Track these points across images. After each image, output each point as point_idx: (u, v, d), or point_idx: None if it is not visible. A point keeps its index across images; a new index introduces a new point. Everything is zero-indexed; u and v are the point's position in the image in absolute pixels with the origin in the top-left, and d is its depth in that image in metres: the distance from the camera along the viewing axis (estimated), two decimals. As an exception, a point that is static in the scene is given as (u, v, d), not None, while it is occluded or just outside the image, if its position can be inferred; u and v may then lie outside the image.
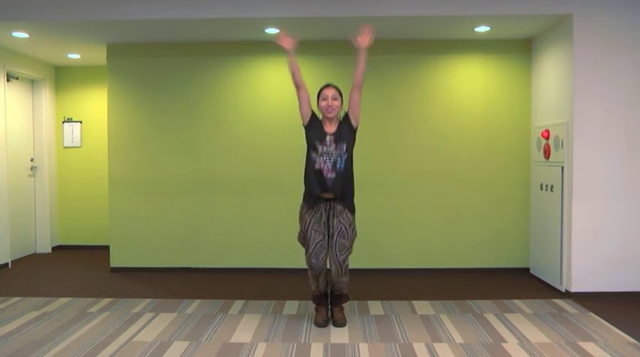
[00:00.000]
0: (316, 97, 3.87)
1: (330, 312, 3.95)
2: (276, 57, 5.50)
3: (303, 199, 3.88)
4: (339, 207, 3.77)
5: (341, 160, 3.75)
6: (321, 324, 3.83)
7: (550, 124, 4.90)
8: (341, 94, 3.86)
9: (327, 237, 3.76)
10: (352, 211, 3.83)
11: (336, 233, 3.73)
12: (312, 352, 3.36)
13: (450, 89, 5.45)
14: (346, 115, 3.87)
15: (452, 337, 3.62)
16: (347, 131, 3.82)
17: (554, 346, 3.43)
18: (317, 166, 3.76)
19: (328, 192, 3.75)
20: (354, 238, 3.84)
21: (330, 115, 3.81)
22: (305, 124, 3.87)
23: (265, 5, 4.56)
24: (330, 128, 3.84)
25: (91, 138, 6.72)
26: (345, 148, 3.77)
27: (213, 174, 5.54)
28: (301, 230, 3.87)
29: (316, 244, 3.75)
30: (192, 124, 5.54)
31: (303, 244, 3.87)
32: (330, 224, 3.76)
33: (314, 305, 3.97)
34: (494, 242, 5.47)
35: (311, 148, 3.82)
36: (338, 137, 3.78)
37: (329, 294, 3.97)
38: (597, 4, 4.49)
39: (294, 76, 3.84)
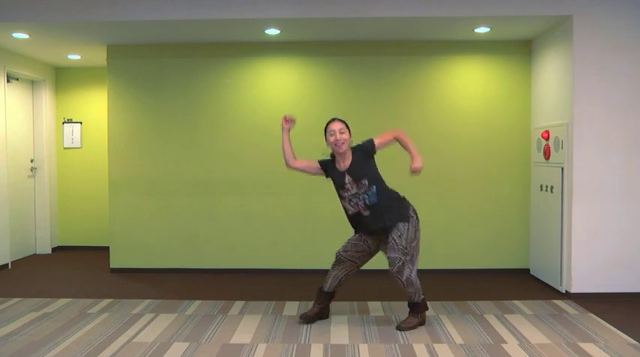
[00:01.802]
0: (324, 133, 3.80)
1: (321, 313, 3.97)
2: (276, 58, 5.52)
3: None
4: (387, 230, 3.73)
5: (368, 197, 3.68)
6: (302, 316, 3.90)
7: (550, 124, 4.90)
8: (348, 127, 3.77)
9: (367, 244, 3.83)
10: (402, 220, 3.70)
11: (388, 250, 3.69)
12: (312, 352, 3.36)
13: (449, 90, 5.45)
14: (362, 144, 3.78)
15: (452, 338, 3.62)
16: (361, 162, 3.72)
17: (554, 347, 3.43)
18: (350, 212, 3.78)
19: (374, 226, 3.72)
20: (410, 243, 3.68)
21: (340, 151, 3.72)
22: (326, 176, 3.88)
23: (265, 6, 4.56)
24: (344, 164, 3.77)
25: (91, 139, 6.73)
26: (367, 182, 3.68)
27: (213, 175, 5.54)
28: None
29: (352, 241, 3.86)
30: (192, 125, 5.54)
31: None
32: (381, 245, 3.82)
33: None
34: (494, 243, 5.47)
35: (339, 196, 3.82)
36: (354, 175, 3.70)
37: (332, 296, 3.99)
38: (597, 5, 4.49)
39: (287, 158, 3.87)
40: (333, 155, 3.84)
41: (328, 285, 3.93)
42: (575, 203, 4.54)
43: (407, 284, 3.70)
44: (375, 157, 3.81)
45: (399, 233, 3.67)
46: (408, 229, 3.68)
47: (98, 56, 5.94)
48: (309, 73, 5.50)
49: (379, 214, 3.68)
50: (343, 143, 3.70)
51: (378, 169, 3.79)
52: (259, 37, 5.27)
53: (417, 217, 3.77)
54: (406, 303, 4.43)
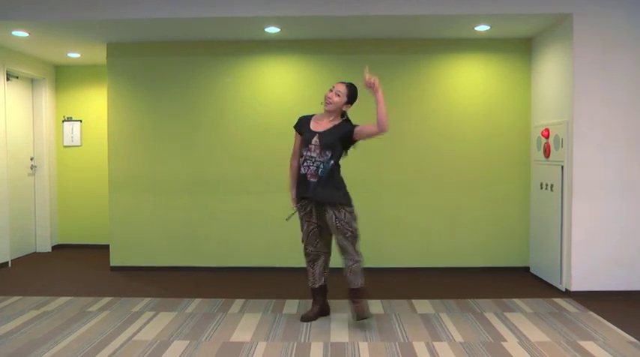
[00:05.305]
0: None
1: (321, 311, 3.99)
2: (275, 56, 5.51)
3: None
4: (326, 206, 3.77)
5: (323, 167, 3.73)
6: (305, 318, 3.91)
7: (550, 123, 4.90)
8: (350, 96, 3.80)
9: (320, 227, 3.84)
10: (344, 204, 3.74)
11: (335, 233, 3.77)
12: (312, 351, 3.37)
13: (449, 88, 5.45)
14: (351, 124, 3.82)
15: (452, 336, 3.62)
16: (338, 137, 3.75)
17: (554, 345, 3.44)
18: (302, 170, 3.80)
19: (309, 196, 3.78)
20: (354, 227, 3.77)
21: (326, 107, 3.80)
22: (300, 133, 3.92)
23: (265, 4, 4.56)
24: (322, 125, 3.83)
25: (90, 137, 6.72)
26: (329, 155, 3.73)
27: (213, 173, 5.54)
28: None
29: (309, 232, 3.87)
30: (192, 123, 5.54)
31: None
32: (326, 222, 3.81)
33: None
34: (494, 241, 5.47)
35: (300, 154, 3.86)
36: (324, 142, 3.74)
37: (325, 289, 4.00)
38: (597, 3, 4.49)
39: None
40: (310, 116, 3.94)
41: (316, 281, 3.94)
42: (575, 201, 4.54)
43: (352, 248, 3.76)
44: (354, 150, 3.88)
45: (341, 220, 3.72)
46: (347, 213, 3.73)
47: (98, 54, 5.94)
48: (309, 71, 5.49)
49: (321, 187, 3.72)
50: (330, 103, 3.78)
51: (343, 157, 3.83)
52: (259, 36, 5.26)
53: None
54: (406, 301, 4.44)
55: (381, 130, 3.66)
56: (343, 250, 3.80)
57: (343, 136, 3.77)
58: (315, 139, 3.76)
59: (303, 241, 3.93)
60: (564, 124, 4.59)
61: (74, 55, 6.15)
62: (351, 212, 3.78)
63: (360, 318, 3.78)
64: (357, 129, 3.78)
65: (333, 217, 3.73)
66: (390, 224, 5.49)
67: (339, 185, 3.79)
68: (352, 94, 3.82)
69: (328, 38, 5.41)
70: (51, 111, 6.68)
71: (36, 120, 6.53)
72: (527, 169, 5.42)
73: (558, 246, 4.73)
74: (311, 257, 3.92)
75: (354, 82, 3.89)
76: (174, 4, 4.59)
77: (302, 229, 3.92)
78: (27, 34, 5.16)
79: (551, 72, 4.96)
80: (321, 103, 3.88)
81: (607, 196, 4.54)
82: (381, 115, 3.63)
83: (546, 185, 4.97)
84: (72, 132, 6.74)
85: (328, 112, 3.82)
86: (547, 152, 4.94)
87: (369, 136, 3.77)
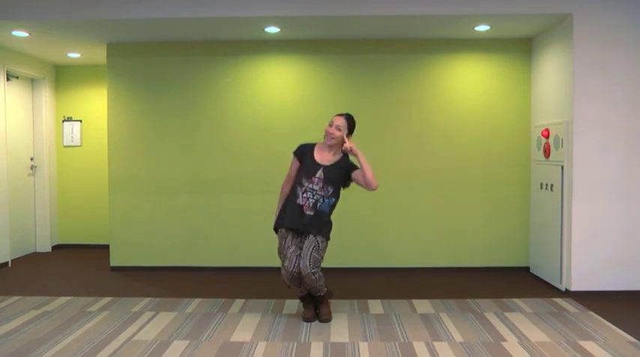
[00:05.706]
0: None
1: (316, 308, 3.99)
2: (275, 56, 5.51)
3: (279, 216, 3.94)
4: (312, 234, 3.79)
5: (323, 202, 3.76)
6: (309, 319, 3.92)
7: (550, 123, 4.90)
8: (350, 127, 3.84)
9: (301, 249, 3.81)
10: (327, 238, 3.85)
11: (311, 247, 3.73)
12: (312, 351, 3.37)
13: (449, 88, 5.45)
14: (351, 162, 3.86)
15: (452, 336, 3.62)
16: (341, 172, 3.81)
17: (554, 345, 3.44)
18: (298, 200, 3.78)
19: (302, 229, 3.78)
20: (322, 255, 3.81)
21: (329, 143, 3.82)
22: (299, 160, 3.91)
23: (265, 4, 4.56)
24: (326, 158, 3.84)
25: (90, 137, 6.72)
26: (331, 191, 3.77)
27: (214, 173, 5.54)
28: (281, 245, 3.91)
29: (293, 254, 3.76)
30: (192, 123, 5.54)
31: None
32: (304, 241, 3.79)
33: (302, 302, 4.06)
34: (494, 241, 5.47)
35: (297, 181, 3.83)
36: (329, 177, 3.76)
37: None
38: (597, 3, 4.49)
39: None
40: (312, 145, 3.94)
41: (304, 291, 3.92)
42: (575, 201, 4.53)
43: (319, 278, 3.76)
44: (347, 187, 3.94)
45: (322, 241, 3.79)
46: (326, 245, 3.84)
47: (98, 54, 5.94)
48: (309, 71, 5.49)
49: (316, 220, 3.76)
50: (332, 138, 3.80)
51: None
52: (259, 35, 5.26)
53: None
54: (406, 301, 4.44)
55: (368, 188, 3.77)
56: (312, 267, 3.71)
57: (346, 172, 3.83)
58: (319, 173, 3.78)
59: (283, 263, 3.82)
60: (564, 124, 4.59)
61: (74, 55, 6.15)
62: (327, 245, 3.86)
63: (326, 320, 3.89)
64: (354, 172, 3.82)
65: (313, 240, 3.75)
66: (390, 224, 5.49)
67: (329, 219, 3.86)
68: (352, 125, 3.87)
69: (328, 38, 5.41)
70: (51, 111, 6.68)
71: (36, 120, 6.53)
72: (527, 169, 5.42)
73: (558, 246, 4.73)
74: (295, 281, 3.78)
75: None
76: (174, 4, 4.59)
77: (283, 249, 3.84)
78: (27, 34, 5.16)
79: (551, 72, 4.96)
80: (313, 143, 3.94)
81: (607, 196, 4.54)
82: (368, 175, 3.73)
83: (546, 185, 4.97)
84: (72, 132, 6.74)
85: (330, 146, 3.84)
86: (547, 152, 4.94)
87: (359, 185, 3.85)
